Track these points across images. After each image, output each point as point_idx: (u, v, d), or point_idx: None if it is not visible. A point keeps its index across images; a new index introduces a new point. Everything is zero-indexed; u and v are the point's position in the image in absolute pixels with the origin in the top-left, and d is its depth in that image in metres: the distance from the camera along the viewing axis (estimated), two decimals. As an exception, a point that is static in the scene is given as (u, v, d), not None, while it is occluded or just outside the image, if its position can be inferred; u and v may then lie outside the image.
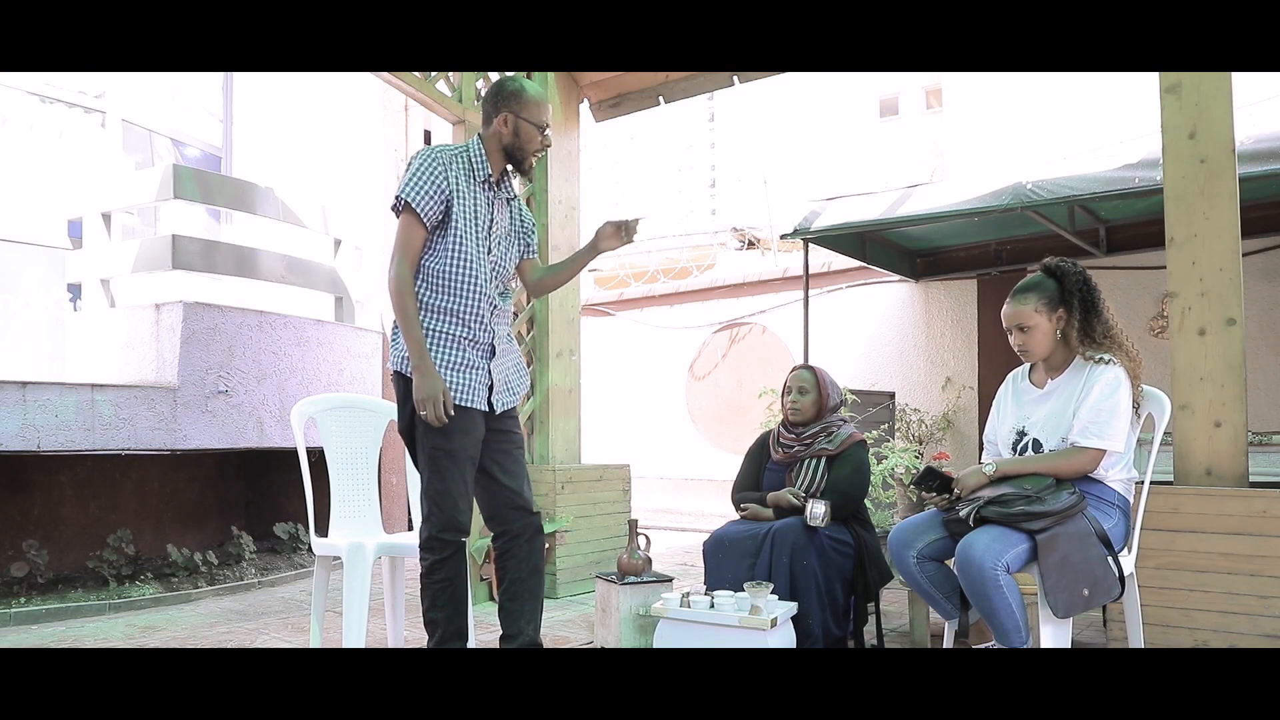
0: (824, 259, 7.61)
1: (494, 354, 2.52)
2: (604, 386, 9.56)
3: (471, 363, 2.47)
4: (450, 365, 2.43)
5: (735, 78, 4.79)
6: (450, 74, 4.44)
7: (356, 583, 2.76)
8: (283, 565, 5.28)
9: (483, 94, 4.58)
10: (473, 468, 2.48)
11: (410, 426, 2.48)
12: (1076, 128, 8.71)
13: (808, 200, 6.81)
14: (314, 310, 5.80)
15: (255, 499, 5.85)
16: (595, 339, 9.47)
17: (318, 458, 3.03)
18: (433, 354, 2.42)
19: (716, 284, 9.14)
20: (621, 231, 2.57)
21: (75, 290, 5.37)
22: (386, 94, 6.69)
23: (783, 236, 6.53)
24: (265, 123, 7.33)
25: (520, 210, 2.67)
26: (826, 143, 15.21)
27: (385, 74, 4.27)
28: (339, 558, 2.86)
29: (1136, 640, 2.56)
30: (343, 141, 6.96)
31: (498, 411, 2.53)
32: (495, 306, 2.52)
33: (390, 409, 3.26)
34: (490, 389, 2.50)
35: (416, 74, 4.26)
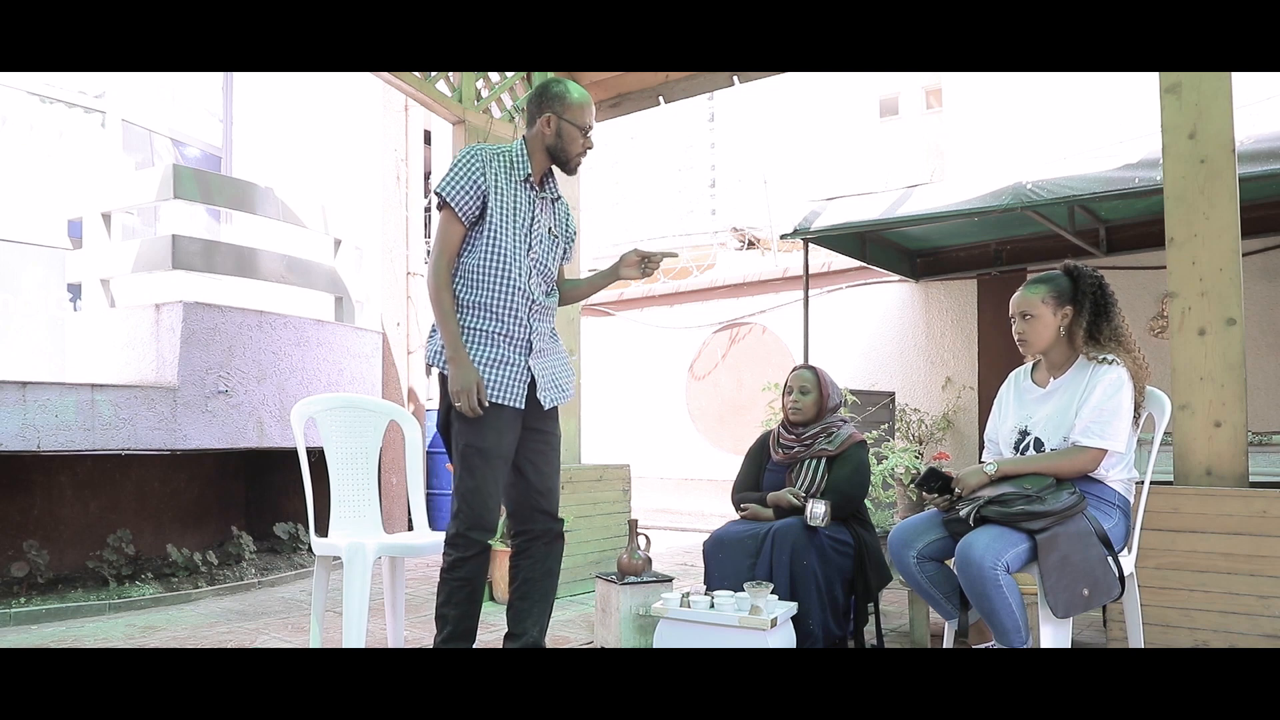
0: (824, 259, 7.61)
1: (532, 350, 2.51)
2: (604, 386, 9.56)
3: (508, 359, 2.46)
4: (486, 362, 2.44)
5: (735, 78, 4.80)
6: (450, 74, 4.43)
7: (356, 583, 2.76)
8: (283, 565, 5.28)
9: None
10: (505, 467, 2.49)
11: (447, 423, 2.49)
12: (1076, 128, 8.69)
13: (808, 200, 6.81)
14: (314, 310, 5.80)
15: (255, 499, 5.85)
16: (595, 339, 9.48)
17: (318, 458, 3.03)
18: (469, 350, 2.42)
19: (716, 284, 9.14)
20: (644, 264, 2.55)
21: (75, 290, 5.37)
22: (386, 94, 6.69)
23: (783, 236, 6.53)
24: (265, 123, 7.33)
25: (566, 214, 2.67)
26: (826, 143, 15.19)
27: (385, 74, 4.27)
28: (339, 558, 2.86)
29: (1136, 640, 2.56)
30: (343, 141, 6.96)
31: (545, 407, 2.54)
32: (534, 303, 2.51)
33: (390, 409, 3.28)
34: (533, 385, 2.50)
35: (416, 74, 4.26)
